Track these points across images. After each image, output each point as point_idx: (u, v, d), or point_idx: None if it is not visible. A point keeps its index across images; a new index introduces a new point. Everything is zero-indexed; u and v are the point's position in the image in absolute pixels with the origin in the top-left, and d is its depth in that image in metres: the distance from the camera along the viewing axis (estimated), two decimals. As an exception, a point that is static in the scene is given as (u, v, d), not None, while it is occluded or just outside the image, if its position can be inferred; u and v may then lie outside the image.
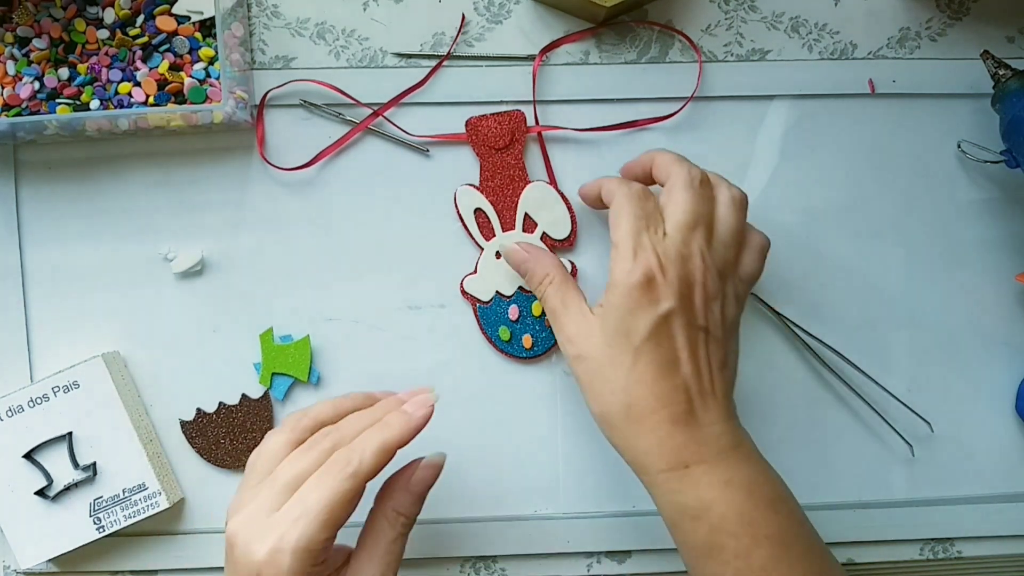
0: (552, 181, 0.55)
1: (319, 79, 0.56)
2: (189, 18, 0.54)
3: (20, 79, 0.53)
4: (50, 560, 0.54)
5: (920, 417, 0.58)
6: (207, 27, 0.54)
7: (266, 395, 0.57)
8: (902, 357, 0.59)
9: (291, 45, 0.56)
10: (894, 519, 0.58)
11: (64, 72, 0.53)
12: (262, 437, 0.57)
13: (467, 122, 0.54)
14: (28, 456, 0.53)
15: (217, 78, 0.53)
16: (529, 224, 0.55)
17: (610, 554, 0.58)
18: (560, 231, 0.55)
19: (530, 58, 0.56)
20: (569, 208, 0.54)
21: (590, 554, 0.58)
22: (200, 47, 0.53)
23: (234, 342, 0.56)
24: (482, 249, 0.55)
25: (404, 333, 0.57)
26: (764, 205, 0.58)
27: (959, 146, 0.58)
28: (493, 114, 0.53)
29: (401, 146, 0.57)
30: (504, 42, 0.57)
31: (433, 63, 0.56)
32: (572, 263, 0.55)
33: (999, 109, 0.55)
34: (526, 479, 0.58)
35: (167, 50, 0.53)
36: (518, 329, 0.55)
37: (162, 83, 0.53)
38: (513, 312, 0.55)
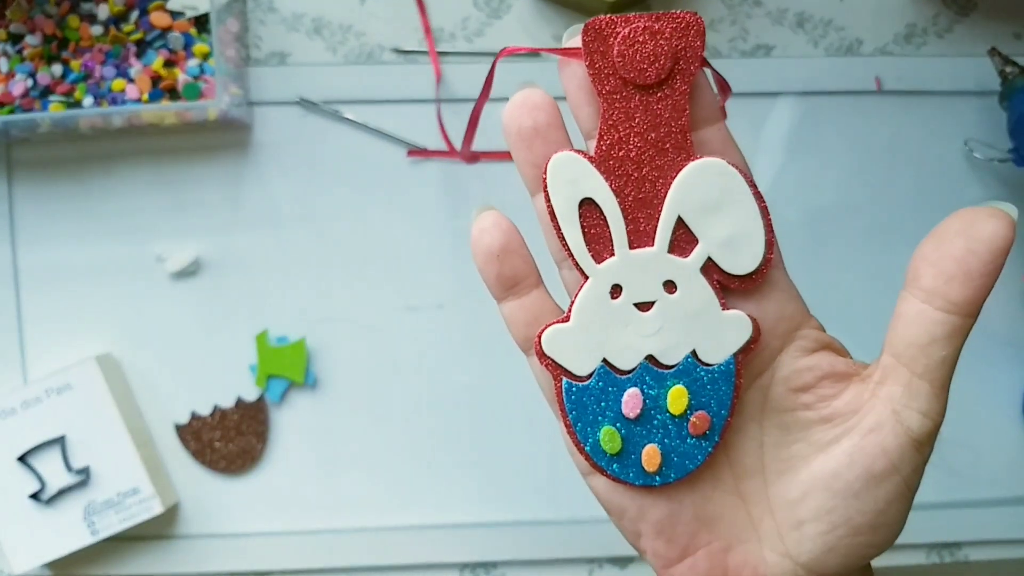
0: (733, 161, 0.26)
1: (315, 76, 0.55)
2: (183, 14, 0.53)
3: (13, 76, 0.52)
4: (44, 565, 0.53)
5: (927, 419, 0.58)
6: (202, 23, 0.53)
7: (261, 398, 0.56)
8: (908, 358, 0.58)
9: (287, 41, 0.56)
10: (900, 523, 0.58)
11: (57, 69, 0.52)
12: (257, 440, 0.56)
13: (587, 27, 0.25)
14: (21, 459, 0.52)
15: (212, 75, 0.52)
16: (684, 239, 0.26)
17: (612, 560, 0.57)
18: (741, 259, 0.26)
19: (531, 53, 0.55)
20: (765, 215, 0.26)
21: (592, 560, 0.57)
22: (195, 43, 0.53)
23: (229, 344, 0.56)
24: (585, 277, 0.26)
25: (401, 334, 0.56)
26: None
27: (966, 144, 0.57)
28: (642, 14, 0.25)
29: (399, 143, 0.56)
30: (504, 38, 0.56)
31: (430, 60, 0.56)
32: (753, 321, 0.26)
33: (1006, 106, 0.55)
34: (526, 483, 0.57)
35: (161, 46, 0.53)
36: (636, 433, 0.27)
37: (156, 80, 0.52)
38: (631, 402, 0.27)
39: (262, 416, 0.56)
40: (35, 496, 0.52)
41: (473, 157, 0.53)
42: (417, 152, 0.55)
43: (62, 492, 0.53)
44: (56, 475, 0.53)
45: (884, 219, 0.58)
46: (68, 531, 0.53)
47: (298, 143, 0.56)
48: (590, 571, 0.57)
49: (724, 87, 0.29)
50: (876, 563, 0.63)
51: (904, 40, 0.57)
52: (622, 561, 0.57)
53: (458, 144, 0.55)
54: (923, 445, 0.25)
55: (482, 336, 0.56)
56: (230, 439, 0.56)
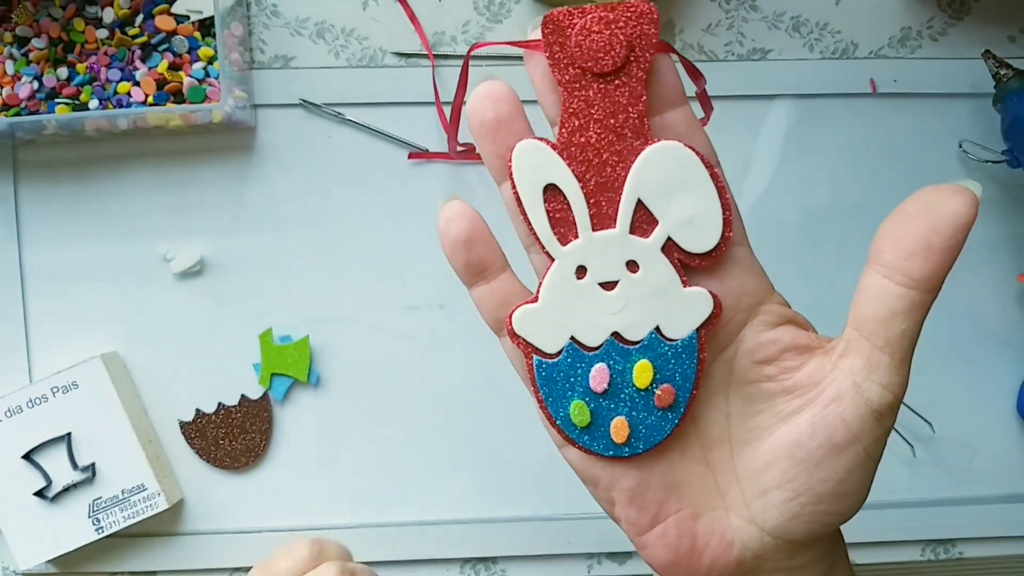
0: (696, 144, 0.27)
1: (318, 78, 0.56)
2: (188, 17, 0.53)
3: (19, 79, 0.53)
4: (49, 561, 0.54)
5: (921, 418, 0.58)
6: (206, 26, 0.54)
7: (265, 396, 0.56)
8: (903, 357, 0.58)
9: (290, 44, 0.56)
10: (896, 520, 0.58)
11: (63, 72, 0.53)
12: (261, 438, 0.57)
13: (545, 19, 0.26)
14: (27, 457, 0.53)
15: (216, 78, 0.53)
16: (644, 220, 0.27)
17: (611, 555, 0.58)
18: (700, 237, 0.27)
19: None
20: (722, 194, 0.27)
21: (591, 555, 0.58)
22: (199, 47, 0.53)
23: (233, 342, 0.56)
24: (551, 259, 0.27)
25: (403, 333, 0.57)
26: (765, 205, 0.57)
27: (960, 146, 0.58)
28: (597, 5, 0.26)
29: (401, 145, 0.56)
30: (508, 38, 0.56)
31: (439, 63, 0.56)
32: (714, 296, 0.27)
33: (1000, 109, 0.55)
34: (526, 480, 0.58)
35: (166, 49, 0.53)
36: (603, 407, 0.28)
37: (161, 83, 0.53)
38: (599, 376, 0.28)
39: (266, 414, 0.56)
40: (41, 493, 0.53)
41: (466, 154, 0.54)
42: (418, 155, 0.56)
43: (68, 489, 0.53)
44: (62, 472, 0.53)
45: (879, 220, 0.58)
46: (73, 528, 0.53)
47: (301, 145, 0.56)
48: (589, 567, 0.58)
49: (695, 74, 0.30)
50: (871, 558, 0.63)
51: (899, 43, 0.58)
52: (620, 556, 0.58)
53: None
54: (883, 416, 0.26)
55: (482, 335, 0.57)
56: (234, 437, 0.56)
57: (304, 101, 0.56)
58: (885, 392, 0.25)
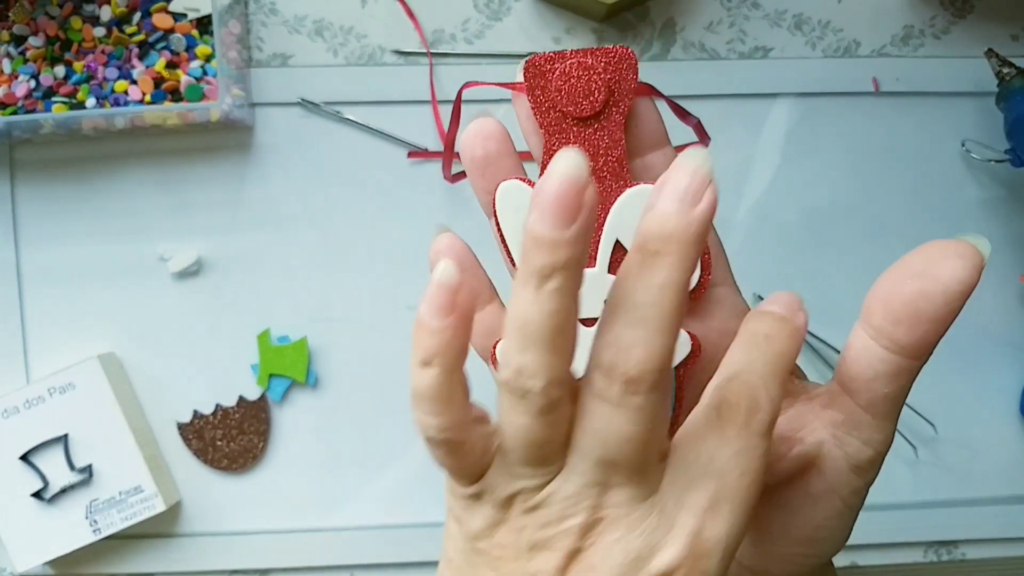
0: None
1: (317, 77, 0.55)
2: (186, 15, 0.53)
3: (16, 77, 0.53)
4: (46, 563, 0.54)
5: (924, 418, 0.58)
6: (204, 25, 0.53)
7: (263, 397, 0.56)
8: (906, 358, 0.58)
9: (288, 42, 0.56)
10: (898, 522, 0.58)
11: (60, 70, 0.53)
12: (259, 439, 0.56)
13: (527, 64, 0.27)
14: (24, 458, 0.53)
15: (214, 76, 0.53)
16: (622, 259, 0.27)
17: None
18: None
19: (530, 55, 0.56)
20: None
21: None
22: (197, 45, 0.53)
23: (231, 343, 0.56)
24: None
25: (402, 333, 0.57)
26: (767, 204, 0.57)
27: (963, 145, 0.58)
28: (577, 51, 0.27)
29: (400, 144, 0.56)
30: (504, 39, 0.56)
31: (437, 60, 0.56)
32: (692, 337, 0.27)
33: (1003, 107, 0.55)
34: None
35: (164, 48, 0.53)
36: None
37: (159, 81, 0.53)
38: None
39: (264, 415, 0.56)
40: (38, 494, 0.53)
41: (456, 179, 0.53)
42: (417, 153, 0.56)
43: (65, 490, 0.53)
44: (59, 474, 0.53)
45: (882, 219, 0.58)
46: (71, 529, 0.53)
47: (300, 144, 0.56)
48: (589, 569, 0.58)
49: (682, 114, 0.30)
50: (874, 560, 0.63)
51: (902, 42, 0.58)
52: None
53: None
54: (863, 471, 0.25)
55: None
56: (232, 438, 0.56)
57: (303, 100, 0.56)
58: (865, 448, 0.24)
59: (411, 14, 0.55)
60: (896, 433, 0.58)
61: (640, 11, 0.56)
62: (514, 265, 0.27)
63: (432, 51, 0.56)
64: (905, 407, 0.60)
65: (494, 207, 0.27)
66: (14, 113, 0.52)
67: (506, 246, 0.27)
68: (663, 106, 0.28)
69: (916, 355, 0.23)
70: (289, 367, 0.55)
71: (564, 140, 0.27)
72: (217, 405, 0.56)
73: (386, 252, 0.56)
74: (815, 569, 0.28)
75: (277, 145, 0.56)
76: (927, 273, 0.23)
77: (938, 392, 0.58)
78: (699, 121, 0.31)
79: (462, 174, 0.54)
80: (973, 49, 0.57)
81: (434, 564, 0.57)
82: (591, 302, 0.27)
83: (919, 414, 0.58)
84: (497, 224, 0.27)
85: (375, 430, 0.57)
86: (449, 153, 0.37)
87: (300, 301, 0.56)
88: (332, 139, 0.56)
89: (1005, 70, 0.54)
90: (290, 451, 0.56)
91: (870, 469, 0.25)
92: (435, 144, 0.56)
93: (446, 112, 0.56)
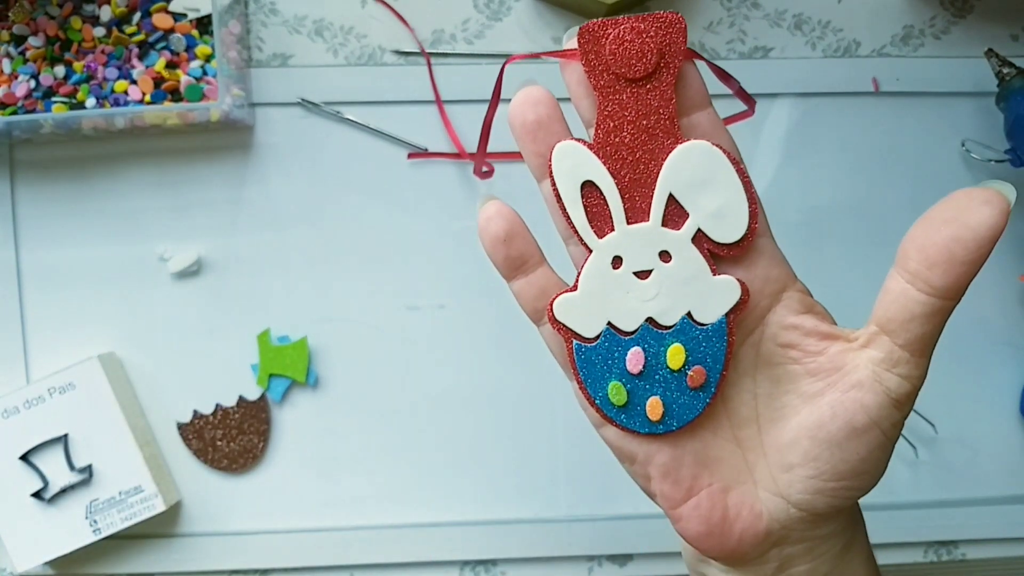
0: (721, 142, 0.29)
1: (317, 77, 0.55)
2: (186, 15, 0.53)
3: (16, 77, 0.53)
4: (46, 563, 0.54)
5: (924, 419, 0.58)
6: (204, 24, 0.53)
7: (263, 397, 0.56)
8: (906, 358, 0.58)
9: (288, 42, 0.56)
10: (898, 522, 0.58)
11: (60, 70, 0.53)
12: (259, 439, 0.56)
13: (582, 30, 0.28)
14: (24, 458, 0.53)
15: (214, 76, 0.53)
16: (675, 213, 0.29)
17: (611, 558, 0.58)
18: (727, 229, 0.29)
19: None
20: (748, 188, 0.29)
21: (591, 558, 0.58)
22: (197, 45, 0.53)
23: (231, 343, 0.56)
24: (589, 251, 0.29)
25: (403, 334, 0.57)
26: (767, 204, 0.57)
27: (963, 145, 0.58)
28: (630, 16, 0.28)
29: (400, 144, 0.56)
30: (504, 40, 0.56)
31: (436, 61, 0.56)
32: (742, 284, 0.29)
33: (1003, 107, 0.55)
34: (526, 481, 0.57)
35: (164, 48, 0.53)
36: (640, 387, 0.30)
37: (159, 81, 0.53)
38: (634, 359, 0.30)
39: (264, 415, 0.56)
40: (38, 495, 0.53)
41: (486, 173, 0.53)
42: (417, 154, 0.56)
43: (65, 491, 0.53)
44: (59, 474, 0.53)
45: (882, 219, 0.58)
46: (70, 529, 0.53)
47: (300, 144, 0.56)
48: (590, 569, 0.58)
49: (724, 77, 0.33)
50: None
51: (902, 42, 0.58)
52: (621, 559, 0.58)
53: (458, 145, 0.56)
54: (902, 404, 0.27)
55: (483, 336, 0.57)
56: (232, 438, 0.56)
57: (303, 100, 0.55)
58: (904, 383, 0.27)
59: (402, 18, 0.55)
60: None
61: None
62: (569, 224, 0.29)
63: (432, 51, 0.56)
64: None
65: (549, 169, 0.28)
66: (14, 113, 0.52)
67: (561, 203, 0.29)
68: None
69: (951, 295, 0.25)
70: (289, 367, 0.55)
71: (618, 100, 0.28)
72: (217, 405, 0.56)
73: (386, 252, 0.56)
74: (853, 505, 0.31)
75: (277, 145, 0.56)
76: (958, 220, 0.25)
77: (938, 392, 0.58)
78: (740, 86, 0.33)
79: (489, 171, 0.54)
80: (973, 49, 0.57)
81: (435, 564, 0.58)
82: (647, 255, 0.29)
83: (919, 414, 0.58)
84: (553, 183, 0.28)
85: (375, 430, 0.57)
86: (485, 137, 0.38)
87: (300, 301, 0.56)
88: (332, 139, 0.56)
89: (1005, 70, 0.54)
90: (290, 451, 0.56)
91: (907, 402, 0.27)
92: (435, 144, 0.56)
93: (447, 112, 0.56)
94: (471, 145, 0.56)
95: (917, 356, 0.26)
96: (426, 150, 0.56)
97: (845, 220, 0.58)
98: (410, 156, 0.56)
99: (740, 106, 0.39)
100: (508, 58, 0.33)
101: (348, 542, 0.56)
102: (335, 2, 0.56)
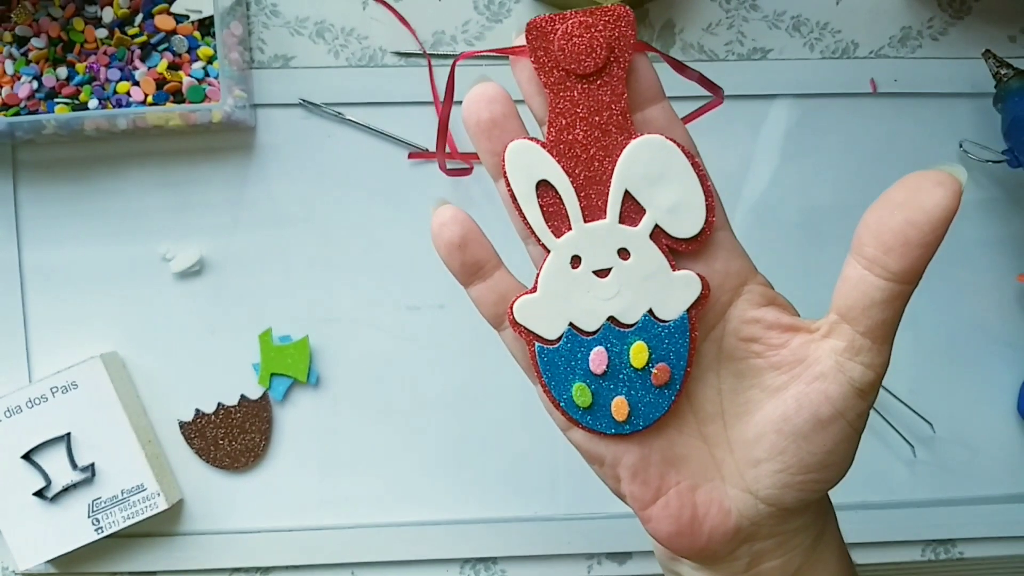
0: (676, 136, 0.29)
1: (318, 78, 0.55)
2: (188, 17, 0.53)
3: (18, 78, 0.53)
4: (48, 561, 0.54)
5: (922, 418, 0.58)
6: (206, 26, 0.53)
7: (265, 396, 0.56)
8: (904, 358, 0.58)
9: (290, 44, 0.56)
10: (896, 520, 0.58)
11: (62, 71, 0.53)
12: (260, 438, 0.57)
13: (529, 26, 0.28)
14: (26, 457, 0.53)
15: (216, 77, 0.53)
16: (632, 209, 0.28)
17: (611, 555, 0.58)
18: (685, 223, 0.28)
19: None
20: (704, 182, 0.28)
21: (591, 555, 0.58)
22: (199, 46, 0.53)
23: (233, 342, 0.56)
24: (547, 251, 0.29)
25: (403, 333, 0.57)
26: (765, 205, 0.57)
27: (961, 145, 0.58)
28: (577, 11, 0.28)
29: (401, 145, 0.56)
30: (504, 41, 0.56)
31: (437, 62, 0.56)
32: (702, 278, 0.28)
33: (1001, 108, 0.55)
34: (526, 480, 0.58)
35: (166, 49, 0.53)
36: (604, 388, 0.29)
37: (161, 82, 0.53)
38: (597, 359, 0.29)
39: (265, 414, 0.56)
40: (40, 493, 0.53)
41: (464, 171, 0.54)
42: (418, 154, 0.56)
43: (67, 489, 0.53)
44: (61, 472, 0.53)
45: (880, 220, 0.58)
46: (73, 528, 0.53)
47: (301, 145, 0.56)
48: (589, 567, 0.58)
49: (680, 68, 0.32)
50: (871, 558, 0.63)
51: (899, 43, 0.58)
52: (620, 556, 0.58)
53: (453, 146, 0.56)
54: (866, 393, 0.27)
55: (482, 336, 0.57)
56: (234, 437, 0.56)
57: (304, 101, 0.56)
58: (867, 371, 0.26)
59: (403, 20, 0.56)
60: (893, 432, 0.59)
61: (639, 13, 0.57)
62: (525, 224, 0.28)
63: (432, 52, 0.56)
64: (903, 406, 0.61)
65: (503, 168, 0.28)
66: (17, 114, 0.52)
67: (516, 204, 0.28)
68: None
69: (909, 279, 0.25)
70: (291, 366, 0.56)
71: (569, 97, 0.28)
72: (219, 404, 0.56)
73: (387, 252, 0.57)
74: (822, 498, 0.30)
75: (278, 146, 0.56)
76: (912, 203, 0.25)
77: (936, 391, 0.59)
78: (701, 74, 0.32)
79: (460, 170, 0.55)
80: (971, 50, 0.57)
81: (435, 562, 0.58)
82: (605, 253, 0.28)
83: (917, 413, 0.58)
84: (507, 184, 0.28)
85: (376, 429, 0.57)
86: (443, 134, 0.38)
87: (302, 301, 0.56)
88: (333, 140, 0.56)
89: (1003, 71, 0.54)
90: (292, 450, 0.57)
91: (871, 391, 0.27)
92: (435, 145, 0.56)
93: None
94: (469, 145, 0.56)
95: (879, 343, 0.26)
96: (427, 150, 0.56)
97: (843, 221, 0.58)
98: (410, 156, 0.56)
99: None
100: (459, 55, 0.32)
101: (349, 540, 0.56)
102: (336, 4, 0.56)
